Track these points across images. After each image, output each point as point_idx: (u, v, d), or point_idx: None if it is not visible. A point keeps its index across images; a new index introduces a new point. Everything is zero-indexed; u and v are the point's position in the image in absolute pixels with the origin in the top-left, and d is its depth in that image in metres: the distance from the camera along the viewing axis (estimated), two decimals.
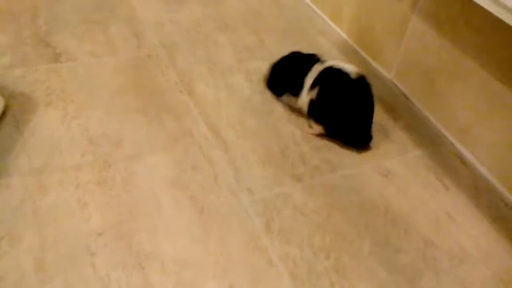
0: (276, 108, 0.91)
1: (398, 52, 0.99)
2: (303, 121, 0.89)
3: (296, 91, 0.87)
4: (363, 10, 1.07)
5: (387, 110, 0.95)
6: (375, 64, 1.06)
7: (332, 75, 0.83)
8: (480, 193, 0.81)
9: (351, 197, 0.77)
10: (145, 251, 0.64)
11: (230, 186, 0.75)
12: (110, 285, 0.60)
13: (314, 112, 0.84)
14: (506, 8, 0.58)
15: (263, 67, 1.00)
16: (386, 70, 1.04)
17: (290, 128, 0.87)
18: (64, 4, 1.10)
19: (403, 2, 0.95)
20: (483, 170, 0.85)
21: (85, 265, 0.62)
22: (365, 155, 0.84)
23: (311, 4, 1.25)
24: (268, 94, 0.94)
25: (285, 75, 0.89)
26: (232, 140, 0.83)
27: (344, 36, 1.15)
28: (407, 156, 0.86)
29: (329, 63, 0.85)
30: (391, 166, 0.83)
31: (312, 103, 0.84)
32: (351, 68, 0.83)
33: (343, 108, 0.82)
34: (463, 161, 0.87)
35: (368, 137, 0.85)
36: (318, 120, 0.84)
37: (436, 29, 0.89)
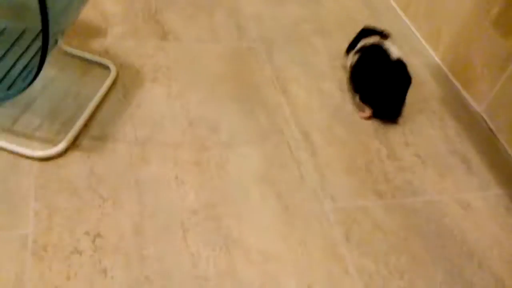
0: (366, 122, 0.93)
1: (494, 88, 0.99)
2: (390, 140, 0.91)
3: (349, 51, 1.00)
4: (463, 38, 1.07)
5: (473, 142, 0.95)
6: (465, 94, 1.06)
7: (375, 50, 0.92)
8: None
9: (430, 224, 0.78)
10: (233, 236, 0.68)
11: (315, 190, 0.78)
12: (199, 262, 0.65)
13: (353, 76, 0.95)
14: None
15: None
16: (476, 103, 1.03)
17: (376, 144, 0.89)
18: None
19: (510, 41, 0.94)
20: None
21: (178, 239, 0.67)
22: (447, 184, 0.85)
23: (407, 21, 1.25)
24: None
25: (353, 39, 1.01)
26: (320, 145, 0.86)
27: (437, 59, 1.14)
28: (488, 192, 0.86)
29: (381, 41, 0.94)
30: (471, 200, 0.84)
31: (352, 66, 0.95)
32: (396, 52, 0.91)
33: (373, 80, 0.91)
34: None
35: (397, 112, 0.93)
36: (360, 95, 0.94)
37: None
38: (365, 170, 0.84)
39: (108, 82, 0.84)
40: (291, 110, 0.91)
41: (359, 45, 0.96)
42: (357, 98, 0.94)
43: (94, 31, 0.96)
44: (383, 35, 0.97)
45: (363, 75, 0.93)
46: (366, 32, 0.99)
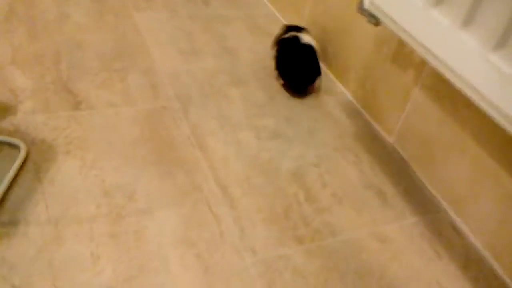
0: (283, 166, 0.96)
1: (400, 119, 1.05)
2: (308, 182, 0.94)
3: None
4: (368, 74, 1.13)
5: (387, 174, 1.00)
6: (377, 127, 1.12)
7: (290, 39, 1.17)
8: (470, 264, 0.85)
9: (349, 262, 0.81)
10: None
11: (235, 245, 0.79)
12: None
13: (276, 64, 1.20)
14: (501, 114, 0.63)
15: (271, 124, 1.06)
16: (387, 134, 1.09)
17: (294, 188, 0.92)
18: (86, 50, 1.16)
19: (407, 74, 1.01)
20: (475, 241, 0.89)
21: None
22: (363, 219, 0.89)
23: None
24: (274, 153, 0.99)
25: (277, 36, 1.25)
26: (239, 197, 0.88)
27: (349, 96, 1.20)
28: (404, 222, 0.90)
29: (297, 34, 1.17)
30: (388, 232, 0.88)
31: (274, 57, 1.21)
32: (306, 38, 1.16)
33: (287, 59, 1.17)
34: (456, 230, 0.91)
35: (309, 81, 1.18)
36: (278, 70, 1.19)
37: (437, 103, 0.94)
38: (284, 217, 0.86)
39: (17, 162, 0.83)
40: (208, 166, 0.93)
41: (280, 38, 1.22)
42: (279, 77, 1.20)
43: (3, 109, 0.95)
44: (300, 29, 1.21)
45: (281, 58, 1.18)
46: (288, 28, 1.23)
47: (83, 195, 0.82)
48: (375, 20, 0.84)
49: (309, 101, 1.16)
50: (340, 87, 1.23)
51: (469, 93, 0.67)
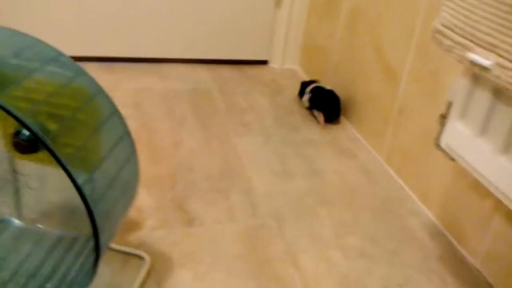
0: (368, 285, 1.04)
1: (483, 243, 1.10)
2: None
3: (301, 95, 1.85)
4: (450, 198, 1.21)
5: None
6: (462, 250, 1.17)
7: (317, 88, 1.77)
8: None
9: None
10: None
11: None
12: None
13: (311, 104, 1.76)
14: None
15: (358, 244, 1.15)
16: (472, 257, 1.14)
17: None
18: (196, 173, 1.37)
19: (488, 201, 1.08)
20: None
21: None
22: None
23: (403, 185, 1.41)
24: (362, 273, 1.07)
25: (300, 89, 1.87)
26: None
27: (432, 218, 1.28)
28: None
29: (317, 83, 1.80)
30: None
31: (309, 99, 1.76)
32: (327, 87, 1.77)
33: (321, 99, 1.73)
34: None
35: (337, 115, 1.74)
36: (316, 108, 1.75)
37: None
38: None
39: (143, 272, 0.99)
40: (302, 282, 1.03)
41: (307, 89, 1.78)
42: (320, 114, 1.73)
43: (132, 225, 1.14)
44: (315, 81, 1.82)
45: (315, 100, 1.74)
46: (306, 83, 1.83)
47: None
48: (451, 157, 0.95)
49: (393, 221, 1.25)
50: (423, 208, 1.32)
51: None
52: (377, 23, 1.55)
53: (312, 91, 1.75)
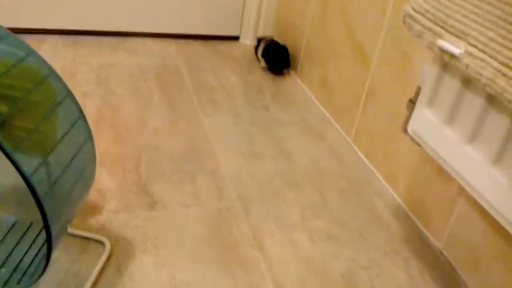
0: (335, 269, 1.04)
1: (447, 226, 1.11)
2: (358, 286, 1.00)
3: (256, 49, 1.98)
4: (416, 181, 1.21)
5: (435, 280, 1.05)
6: (426, 232, 1.18)
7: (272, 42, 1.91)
8: None
9: None
10: None
11: None
12: None
13: (262, 52, 1.90)
14: None
15: (324, 227, 1.15)
16: (436, 239, 1.15)
17: None
18: (162, 154, 1.33)
19: (453, 186, 1.09)
20: None
21: None
22: None
23: (370, 166, 1.41)
24: (326, 255, 1.07)
25: (256, 45, 1.99)
26: None
27: (398, 199, 1.28)
28: None
29: (271, 39, 1.94)
30: None
31: (262, 50, 1.91)
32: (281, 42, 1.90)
33: (272, 49, 1.88)
34: None
35: (287, 65, 1.89)
36: (263, 57, 1.91)
37: (482, 214, 1.01)
38: None
39: (103, 258, 0.96)
40: (266, 266, 1.02)
41: (262, 43, 1.92)
42: (262, 61, 1.92)
43: (92, 208, 1.10)
44: (270, 38, 1.94)
45: (267, 50, 1.89)
46: (260, 39, 1.94)
47: None
48: (417, 142, 0.95)
49: (359, 203, 1.25)
50: (389, 190, 1.32)
51: (495, 215, 0.75)
52: (350, 1, 1.52)
53: (266, 44, 1.91)
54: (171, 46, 2.00)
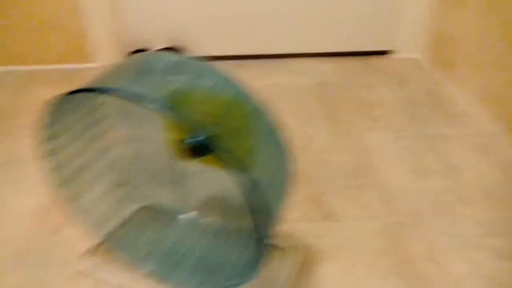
0: None
1: None
2: None
3: None
4: None
5: None
6: None
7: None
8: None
9: None
10: None
11: None
12: None
13: None
14: None
15: (502, 245, 1.14)
16: None
17: None
18: (330, 168, 1.43)
19: None
20: None
21: None
22: None
23: None
24: (506, 276, 1.06)
25: None
26: None
27: None
28: None
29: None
30: None
31: None
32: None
33: None
34: None
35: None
36: None
37: None
38: None
39: (297, 263, 1.09)
40: (444, 282, 1.05)
41: None
42: None
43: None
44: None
45: None
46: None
47: None
48: None
49: None
50: None
51: None
52: None
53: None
54: (325, 64, 2.11)
